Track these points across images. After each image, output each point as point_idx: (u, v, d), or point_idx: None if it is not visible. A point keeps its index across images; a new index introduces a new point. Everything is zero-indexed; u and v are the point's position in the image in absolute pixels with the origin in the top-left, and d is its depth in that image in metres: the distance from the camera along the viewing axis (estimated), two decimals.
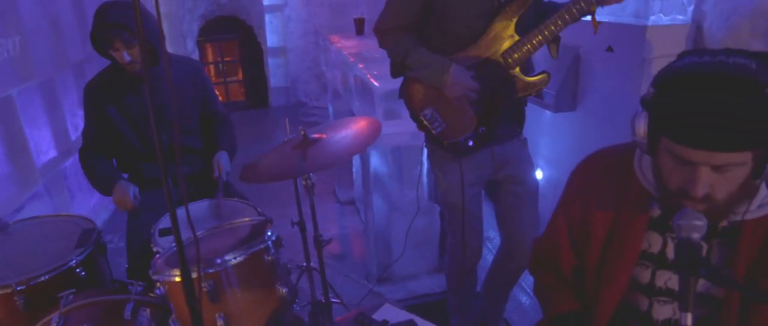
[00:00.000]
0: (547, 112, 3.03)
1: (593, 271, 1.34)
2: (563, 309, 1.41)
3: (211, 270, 1.52)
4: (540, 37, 1.74)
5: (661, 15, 2.39)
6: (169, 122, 2.29)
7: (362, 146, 1.68)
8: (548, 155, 3.21)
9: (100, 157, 2.31)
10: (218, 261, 1.54)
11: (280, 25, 7.05)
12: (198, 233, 1.83)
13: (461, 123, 1.87)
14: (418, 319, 1.42)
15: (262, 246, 1.62)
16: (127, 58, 2.07)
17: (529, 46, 1.76)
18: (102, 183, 2.25)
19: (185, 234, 1.20)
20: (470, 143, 1.88)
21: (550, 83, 2.84)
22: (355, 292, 3.07)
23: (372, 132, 1.80)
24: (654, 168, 1.14)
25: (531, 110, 2.99)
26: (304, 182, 1.86)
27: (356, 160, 3.74)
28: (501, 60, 1.81)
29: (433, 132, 1.91)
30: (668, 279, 1.26)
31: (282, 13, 6.99)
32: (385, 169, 2.87)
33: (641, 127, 1.08)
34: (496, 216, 2.18)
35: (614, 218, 1.26)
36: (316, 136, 1.83)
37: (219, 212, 2.14)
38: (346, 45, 3.66)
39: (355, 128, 1.86)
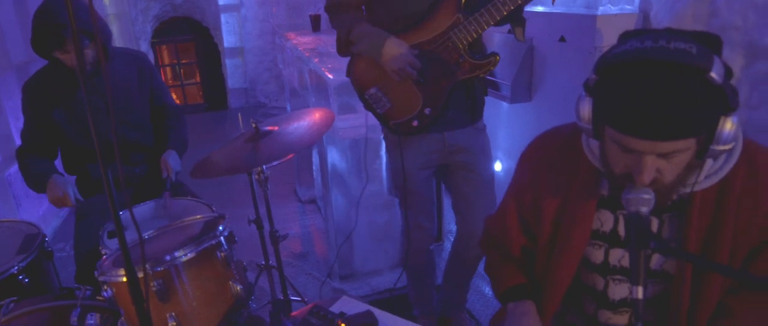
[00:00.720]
0: (504, 104, 3.06)
1: (545, 251, 1.33)
2: (512, 283, 1.40)
3: (159, 269, 1.46)
4: (488, 18, 1.73)
5: (610, 5, 2.44)
6: (121, 121, 2.21)
7: (315, 137, 1.66)
8: (506, 146, 3.25)
9: (38, 158, 2.20)
10: (167, 258, 1.48)
11: (237, 25, 6.93)
12: (148, 233, 1.78)
13: (406, 103, 1.86)
14: (375, 310, 1.39)
15: (213, 242, 1.57)
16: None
17: (476, 26, 1.75)
18: (36, 180, 2.11)
19: (134, 235, 1.15)
20: (415, 123, 1.87)
21: (506, 75, 2.91)
22: (317, 290, 3.03)
23: (325, 122, 1.77)
24: (600, 152, 1.14)
25: (488, 102, 3.03)
26: (257, 176, 1.82)
27: (316, 158, 3.70)
28: (447, 40, 1.79)
29: (378, 111, 1.91)
30: (622, 257, 1.27)
31: (238, 13, 6.88)
32: (344, 164, 2.84)
33: (586, 112, 1.07)
34: (451, 203, 2.19)
35: (564, 197, 1.26)
36: (268, 128, 1.79)
37: (169, 212, 2.07)
38: (302, 41, 3.61)
39: (308, 119, 1.83)
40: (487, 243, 1.54)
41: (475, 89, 1.96)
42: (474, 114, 2.00)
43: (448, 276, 2.41)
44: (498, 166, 3.31)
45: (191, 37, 7.50)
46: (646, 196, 1.01)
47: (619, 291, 1.30)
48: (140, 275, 1.33)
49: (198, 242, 1.54)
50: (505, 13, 1.71)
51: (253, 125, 1.76)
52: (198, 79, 7.80)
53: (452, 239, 3.19)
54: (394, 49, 1.79)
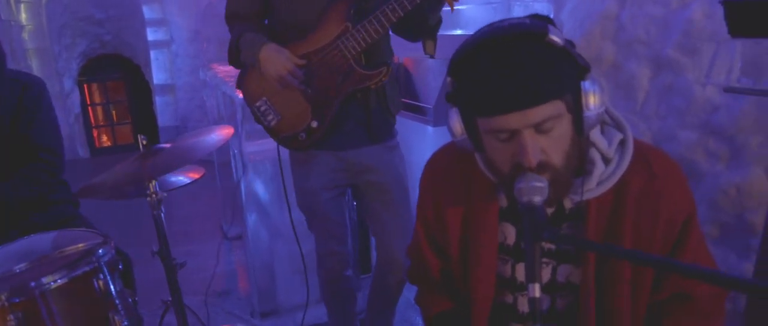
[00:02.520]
0: (429, 128, 3.02)
1: (459, 270, 1.27)
2: (439, 310, 1.34)
3: (18, 300, 1.29)
4: (376, 26, 1.68)
5: None
6: None
7: (207, 149, 1.55)
8: None
9: None
10: (32, 285, 1.31)
11: (167, 61, 6.74)
12: (22, 265, 1.59)
13: (295, 116, 1.81)
14: None
15: (88, 268, 1.41)
16: None
17: (363, 34, 1.70)
18: None
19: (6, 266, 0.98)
20: (302, 136, 1.82)
21: (429, 98, 2.88)
22: None
23: (222, 137, 1.66)
24: (487, 164, 1.11)
25: (413, 126, 2.99)
26: (150, 198, 1.66)
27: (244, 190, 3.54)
28: (335, 50, 1.75)
29: (268, 125, 1.85)
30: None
31: (169, 50, 6.70)
32: (265, 193, 2.71)
33: (457, 125, 1.05)
34: (370, 228, 2.09)
35: (465, 212, 1.21)
36: (161, 146, 1.66)
37: (58, 244, 1.88)
38: (224, 70, 3.51)
39: (204, 137, 1.73)
40: (412, 273, 1.47)
41: (372, 104, 1.86)
42: (373, 130, 1.89)
43: (370, 304, 2.29)
44: None
45: (120, 74, 7.24)
46: (539, 184, 0.94)
47: (527, 304, 1.23)
48: None
49: (71, 268, 1.38)
50: (394, 21, 1.67)
51: (143, 143, 1.63)
52: (130, 119, 7.50)
53: None
54: (271, 55, 1.74)
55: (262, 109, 1.85)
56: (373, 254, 3.21)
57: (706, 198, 1.97)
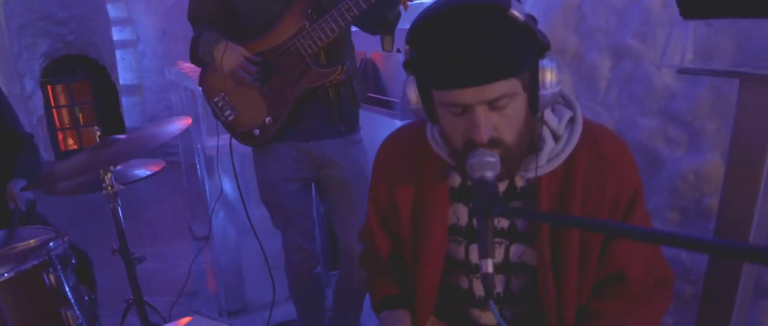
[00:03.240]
0: (396, 121, 3.02)
1: (410, 251, 1.25)
2: (385, 294, 1.31)
3: None
4: (332, 25, 1.69)
5: None
6: None
7: (163, 139, 1.52)
8: None
9: None
10: None
11: (134, 61, 6.61)
12: None
13: (251, 112, 1.83)
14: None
15: (37, 261, 1.35)
16: None
17: (320, 33, 1.71)
18: None
19: None
20: (256, 132, 1.83)
21: (396, 92, 2.88)
22: None
23: (179, 125, 1.64)
24: (440, 137, 1.09)
25: (381, 120, 2.98)
26: (106, 191, 1.62)
27: (208, 187, 3.48)
28: (292, 48, 1.76)
29: (225, 120, 1.87)
30: None
31: (135, 49, 6.58)
32: (230, 189, 2.66)
33: (413, 94, 1.03)
34: (332, 223, 2.08)
35: (416, 193, 1.20)
36: (117, 137, 1.62)
37: (8, 241, 1.81)
38: (189, 66, 3.44)
39: (161, 126, 1.69)
40: (362, 259, 1.46)
41: (333, 99, 1.86)
42: (336, 124, 1.89)
43: (336, 301, 2.27)
44: None
45: (86, 76, 7.07)
46: (490, 159, 0.93)
47: (482, 288, 1.22)
48: None
49: (19, 261, 1.33)
50: (350, 19, 1.68)
51: (98, 134, 1.58)
52: (96, 121, 7.31)
53: None
54: (226, 51, 1.75)
55: (220, 104, 1.87)
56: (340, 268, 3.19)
57: (667, 185, 2.00)
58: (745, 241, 1.28)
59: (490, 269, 0.89)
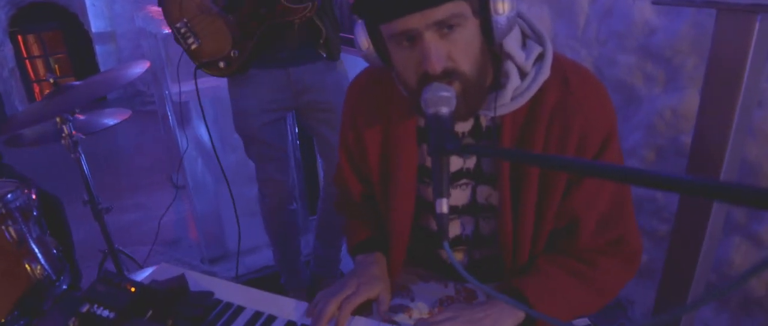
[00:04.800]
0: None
1: (381, 193, 1.23)
2: (360, 238, 1.29)
3: None
4: None
5: None
6: None
7: (120, 83, 1.45)
8: None
9: None
10: None
11: (105, 7, 6.36)
12: None
13: (216, 43, 1.78)
14: (189, 273, 1.20)
15: None
16: None
17: None
18: None
19: None
20: (222, 64, 1.80)
21: None
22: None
23: (136, 69, 1.57)
24: (396, 77, 1.04)
25: (356, 61, 2.91)
26: (64, 141, 1.56)
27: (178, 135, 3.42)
28: None
29: (188, 47, 1.81)
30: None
31: None
32: (204, 134, 2.60)
33: (363, 38, 0.98)
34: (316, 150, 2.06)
35: (384, 132, 1.16)
36: (72, 83, 1.55)
37: None
38: (157, 11, 3.30)
39: (117, 71, 1.62)
40: (338, 202, 1.43)
41: (325, 26, 1.82)
42: (324, 50, 1.86)
43: (318, 232, 2.28)
44: None
45: (57, 24, 6.82)
46: (445, 94, 0.88)
47: (452, 228, 1.20)
48: None
49: None
50: None
51: (52, 81, 1.51)
52: (71, 71, 7.11)
53: None
54: None
55: (182, 30, 1.81)
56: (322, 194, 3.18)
57: (644, 123, 1.97)
58: (716, 177, 1.26)
59: (445, 209, 0.86)
